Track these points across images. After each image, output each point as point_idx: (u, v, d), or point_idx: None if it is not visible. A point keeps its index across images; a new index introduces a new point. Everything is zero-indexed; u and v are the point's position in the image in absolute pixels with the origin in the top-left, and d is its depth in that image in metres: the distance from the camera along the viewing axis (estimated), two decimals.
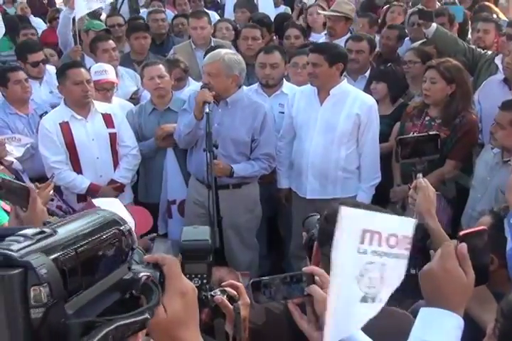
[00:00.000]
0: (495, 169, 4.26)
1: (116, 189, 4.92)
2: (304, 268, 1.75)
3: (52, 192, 4.27)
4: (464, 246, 1.54)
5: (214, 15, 7.93)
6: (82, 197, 4.87)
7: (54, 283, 0.78)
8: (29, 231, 0.83)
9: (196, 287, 1.69)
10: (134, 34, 6.58)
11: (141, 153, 5.08)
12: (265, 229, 5.30)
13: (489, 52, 5.77)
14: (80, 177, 4.81)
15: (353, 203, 2.44)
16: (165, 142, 5.00)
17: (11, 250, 0.77)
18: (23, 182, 4.55)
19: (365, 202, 4.36)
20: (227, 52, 4.64)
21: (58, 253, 0.81)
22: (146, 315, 0.92)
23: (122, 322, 0.87)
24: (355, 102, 4.71)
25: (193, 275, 1.67)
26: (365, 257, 1.37)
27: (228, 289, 1.79)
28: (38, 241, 0.82)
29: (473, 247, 1.57)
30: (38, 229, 0.84)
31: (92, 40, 6.21)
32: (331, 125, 4.71)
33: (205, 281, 1.70)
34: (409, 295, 1.88)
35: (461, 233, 1.61)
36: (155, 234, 3.26)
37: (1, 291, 0.75)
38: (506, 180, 4.00)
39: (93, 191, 4.83)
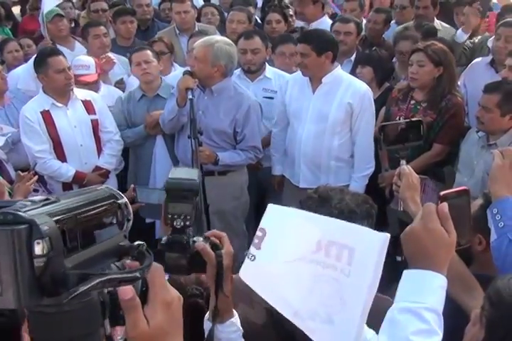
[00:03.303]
0: (481, 152, 4.25)
1: (101, 175, 4.92)
2: None
3: (36, 183, 4.26)
4: (444, 205, 1.55)
5: (198, 0, 7.84)
6: (67, 186, 4.85)
7: (54, 238, 0.91)
8: (36, 198, 0.98)
9: (178, 228, 1.66)
10: (120, 18, 6.50)
11: (130, 140, 5.07)
12: (254, 216, 5.27)
13: (479, 37, 5.77)
14: (64, 165, 4.78)
15: (331, 188, 2.43)
16: (155, 129, 4.97)
17: (20, 211, 0.92)
18: (7, 172, 4.53)
19: (358, 191, 4.35)
20: (221, 41, 4.57)
21: (59, 216, 0.95)
22: (136, 274, 1.00)
23: (114, 276, 0.97)
24: (347, 90, 4.63)
25: (176, 216, 1.64)
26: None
27: (212, 238, 1.74)
28: (43, 205, 0.96)
29: (454, 207, 1.57)
30: (44, 197, 0.99)
31: (84, 26, 6.17)
32: (323, 114, 4.64)
33: (188, 223, 1.66)
34: (395, 282, 1.86)
35: (442, 193, 1.61)
36: (132, 185, 3.23)
37: (11, 243, 0.88)
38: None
39: (79, 179, 4.83)
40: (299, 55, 4.61)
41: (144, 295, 1.04)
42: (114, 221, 1.09)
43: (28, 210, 0.93)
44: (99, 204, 1.05)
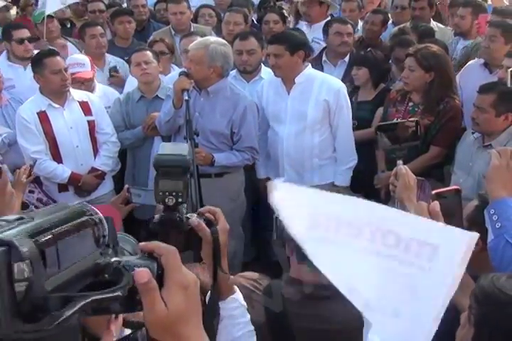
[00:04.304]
0: (476, 154, 4.25)
1: (97, 177, 4.90)
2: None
3: (32, 184, 4.25)
4: (436, 204, 1.56)
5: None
6: (63, 187, 4.85)
7: (34, 260, 0.86)
8: (10, 217, 0.92)
9: (170, 206, 1.61)
10: (118, 18, 6.54)
11: (129, 142, 5.06)
12: (249, 215, 5.26)
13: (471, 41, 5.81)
14: (60, 166, 4.78)
15: (327, 189, 2.43)
16: (153, 131, 4.96)
17: None
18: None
19: (344, 184, 4.48)
20: (215, 42, 4.57)
21: (37, 236, 0.90)
22: (118, 293, 0.98)
23: (96, 297, 0.94)
24: (322, 88, 4.69)
25: (167, 193, 1.59)
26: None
27: (206, 214, 1.70)
28: (19, 225, 0.90)
29: (446, 205, 1.58)
30: (18, 216, 0.93)
31: (81, 26, 6.20)
32: (301, 113, 4.70)
33: (180, 200, 1.61)
34: None
35: (434, 192, 1.61)
36: (126, 186, 3.21)
37: None
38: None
39: (74, 180, 4.82)
40: (272, 56, 4.64)
41: (160, 279, 1.01)
42: (90, 238, 1.04)
43: (4, 231, 0.88)
44: (75, 222, 1.01)
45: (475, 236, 1.25)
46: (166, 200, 1.60)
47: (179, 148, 1.62)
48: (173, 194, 1.58)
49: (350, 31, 5.71)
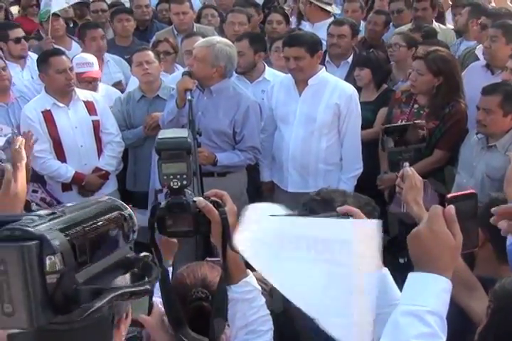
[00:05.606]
0: (480, 154, 4.26)
1: (101, 177, 4.90)
2: (338, 208, 1.70)
3: (36, 183, 4.25)
4: (451, 208, 1.53)
5: (197, 0, 7.85)
6: (66, 186, 4.85)
7: (66, 253, 0.90)
8: (43, 212, 0.97)
9: (176, 189, 1.62)
10: (116, 16, 6.57)
11: (129, 141, 5.07)
12: None
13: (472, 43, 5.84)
14: (64, 165, 4.78)
15: (333, 190, 2.45)
16: (154, 131, 4.93)
17: (28, 226, 0.90)
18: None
19: None
20: (221, 42, 4.56)
21: (68, 230, 0.94)
22: (147, 286, 1.02)
23: (126, 290, 0.98)
24: (334, 92, 4.64)
25: (172, 176, 1.58)
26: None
27: (212, 197, 1.69)
28: (51, 220, 0.94)
29: (462, 210, 1.56)
30: (50, 211, 0.98)
31: (81, 27, 6.22)
32: (310, 116, 4.65)
33: (185, 183, 1.60)
34: (398, 284, 1.87)
35: (449, 195, 1.61)
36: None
37: (21, 260, 0.86)
38: (492, 165, 4.04)
39: (78, 180, 4.82)
40: (292, 59, 4.57)
41: None
42: (120, 232, 1.07)
43: (37, 225, 0.91)
44: (105, 217, 1.04)
45: (376, 222, 1.33)
46: (171, 183, 1.59)
47: (179, 132, 1.63)
48: (178, 177, 1.57)
49: (344, 33, 5.63)
